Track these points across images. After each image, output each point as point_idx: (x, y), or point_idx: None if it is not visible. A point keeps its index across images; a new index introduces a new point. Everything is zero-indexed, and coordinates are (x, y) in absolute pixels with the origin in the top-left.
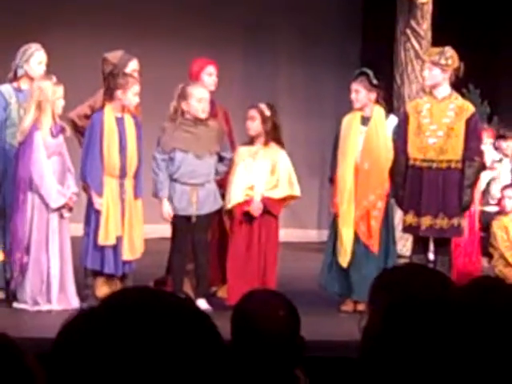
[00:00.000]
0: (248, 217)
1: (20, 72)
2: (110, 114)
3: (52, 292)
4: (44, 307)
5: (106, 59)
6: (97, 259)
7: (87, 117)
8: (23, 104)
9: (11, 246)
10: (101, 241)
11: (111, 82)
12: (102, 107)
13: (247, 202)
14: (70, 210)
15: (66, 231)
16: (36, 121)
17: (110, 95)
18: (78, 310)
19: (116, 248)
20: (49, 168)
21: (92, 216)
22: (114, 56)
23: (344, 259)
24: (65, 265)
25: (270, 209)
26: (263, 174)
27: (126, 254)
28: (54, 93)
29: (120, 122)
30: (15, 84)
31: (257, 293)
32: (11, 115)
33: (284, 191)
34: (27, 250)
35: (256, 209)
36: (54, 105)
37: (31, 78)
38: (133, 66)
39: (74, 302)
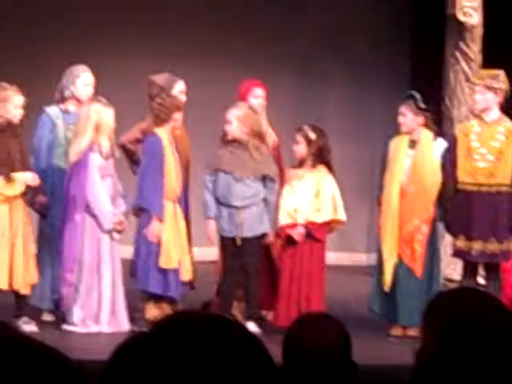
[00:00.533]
0: (293, 240)
1: (66, 93)
2: (165, 137)
3: (102, 314)
4: (93, 329)
5: (153, 82)
6: (160, 283)
7: (138, 141)
8: (70, 126)
9: (62, 267)
10: (163, 264)
11: (165, 104)
12: (147, 130)
13: (291, 226)
14: (119, 232)
15: (117, 253)
16: (92, 143)
17: (163, 118)
18: (130, 333)
19: (176, 271)
20: (103, 189)
21: (147, 241)
22: (160, 78)
23: (385, 282)
24: (116, 287)
25: (313, 233)
26: (308, 197)
27: (183, 276)
28: (109, 115)
29: (172, 145)
30: (62, 106)
31: (309, 316)
32: (58, 137)
33: (327, 215)
34: (79, 272)
35: (297, 233)
36: (111, 126)
37: (78, 100)
38: (179, 87)
39: (124, 325)
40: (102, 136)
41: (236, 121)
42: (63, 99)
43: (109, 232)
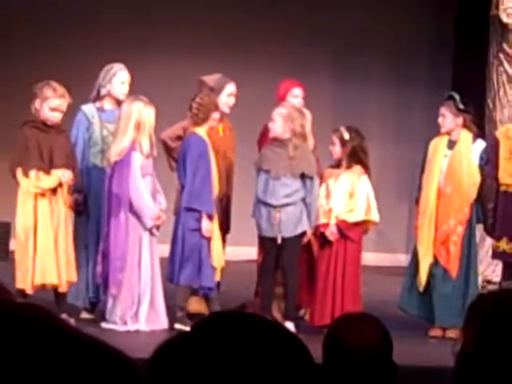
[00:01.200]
0: (327, 239)
1: (103, 92)
2: (205, 136)
3: (141, 312)
4: (132, 327)
5: (204, 82)
6: (202, 281)
7: (179, 138)
8: (105, 124)
9: (111, 267)
10: (215, 262)
11: (204, 104)
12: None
13: (326, 225)
14: (158, 228)
15: (156, 250)
16: (134, 141)
17: (202, 117)
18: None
19: (215, 270)
20: (145, 188)
21: (199, 239)
22: (212, 79)
23: (420, 283)
24: (155, 285)
25: (346, 232)
26: (342, 196)
27: (219, 275)
28: (150, 113)
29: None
30: (98, 104)
31: (350, 316)
32: (94, 135)
33: (359, 216)
34: (122, 269)
35: (330, 232)
36: (151, 125)
37: (114, 98)
38: (230, 89)
39: (163, 322)
40: (143, 135)
41: (280, 119)
42: (99, 97)
43: (150, 229)
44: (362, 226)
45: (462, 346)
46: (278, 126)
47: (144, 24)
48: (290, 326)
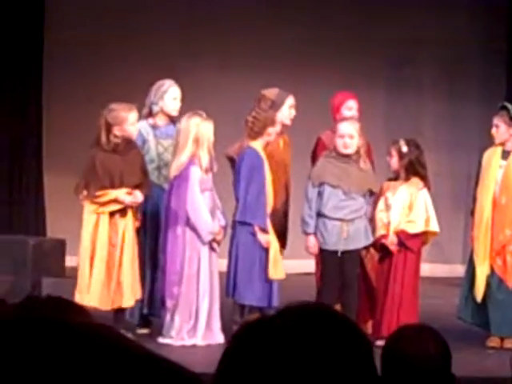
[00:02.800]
0: (387, 251)
1: (155, 109)
2: (261, 150)
3: (199, 327)
4: (189, 342)
5: (264, 96)
6: (263, 296)
7: None
8: (160, 140)
9: (167, 281)
10: (272, 275)
11: (260, 118)
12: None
13: (385, 236)
14: (218, 243)
15: (215, 266)
16: (193, 156)
17: (257, 132)
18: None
19: (277, 282)
20: (203, 203)
21: (255, 253)
22: (272, 93)
23: (478, 293)
24: (213, 300)
25: (406, 242)
26: (401, 208)
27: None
28: (209, 128)
29: (266, 158)
30: (151, 121)
31: (409, 327)
32: (149, 152)
33: (419, 227)
34: (179, 284)
35: (390, 242)
36: (210, 140)
37: (167, 115)
38: (290, 101)
39: (219, 338)
40: (202, 150)
41: (356, 134)
42: (152, 114)
43: (208, 244)
44: (422, 237)
45: None
46: (355, 142)
47: (194, 39)
48: None
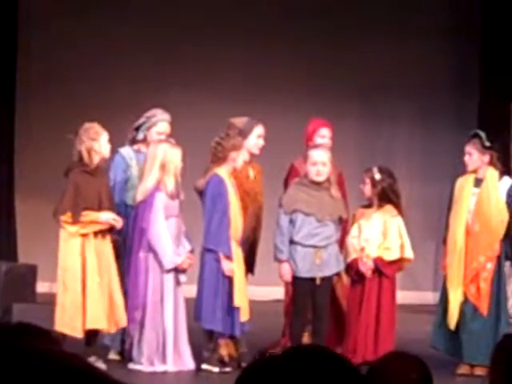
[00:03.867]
0: (361, 277)
1: (140, 136)
2: (226, 177)
3: (167, 353)
4: (159, 368)
5: (232, 124)
6: (227, 323)
7: None
8: (143, 164)
9: (129, 304)
10: (237, 302)
11: (222, 144)
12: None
13: (357, 260)
14: (184, 271)
15: (180, 292)
16: (158, 182)
17: (220, 157)
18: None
19: (239, 310)
20: (166, 229)
21: (219, 280)
22: (240, 121)
23: (451, 321)
24: (179, 326)
25: (383, 269)
26: (375, 236)
27: (244, 316)
28: (176, 155)
29: (233, 185)
30: (135, 146)
31: (391, 354)
32: (131, 177)
33: (395, 254)
34: (144, 309)
35: (366, 267)
36: (177, 166)
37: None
38: (258, 131)
39: (189, 364)
40: (168, 176)
41: (329, 163)
42: (136, 141)
43: (173, 271)
44: (398, 264)
45: None
46: (327, 170)
47: (169, 62)
48: None
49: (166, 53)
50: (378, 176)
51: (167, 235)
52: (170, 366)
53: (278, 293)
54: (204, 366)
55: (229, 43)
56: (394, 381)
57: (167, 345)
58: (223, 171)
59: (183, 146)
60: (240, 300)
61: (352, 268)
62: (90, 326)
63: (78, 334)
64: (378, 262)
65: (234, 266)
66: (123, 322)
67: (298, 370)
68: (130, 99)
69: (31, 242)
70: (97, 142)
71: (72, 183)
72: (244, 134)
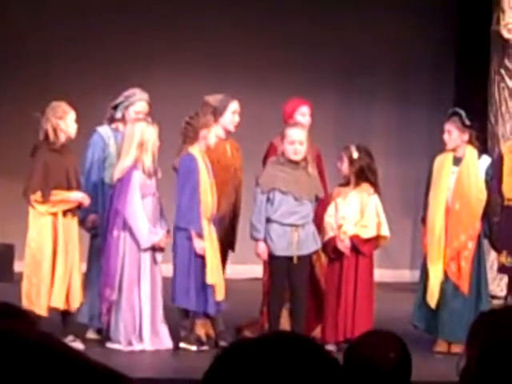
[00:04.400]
0: (339, 255)
1: (118, 114)
2: (198, 155)
3: (144, 332)
4: (137, 347)
5: (207, 102)
6: (200, 301)
7: None
8: (120, 143)
9: (102, 283)
10: (209, 280)
11: (192, 123)
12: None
13: (335, 238)
14: (161, 250)
15: (158, 271)
16: (136, 161)
17: (191, 136)
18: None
19: (213, 288)
20: (142, 208)
21: (191, 258)
22: (214, 99)
23: (432, 299)
24: (156, 305)
25: (359, 247)
26: (352, 214)
27: (219, 295)
28: (153, 133)
29: (207, 163)
30: (114, 125)
31: (369, 333)
32: (109, 156)
33: (372, 232)
34: (118, 288)
35: (344, 245)
36: (154, 144)
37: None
38: (233, 107)
39: (167, 343)
40: (146, 154)
41: (305, 141)
42: (114, 119)
43: (150, 250)
44: (374, 241)
45: (466, 363)
46: (304, 149)
47: (147, 42)
48: None
49: (144, 31)
50: (355, 154)
51: (142, 214)
52: (148, 345)
53: (256, 271)
54: (182, 345)
55: (206, 22)
56: (372, 360)
57: (143, 324)
58: (195, 150)
59: (164, 125)
60: (213, 278)
61: (329, 246)
62: (54, 304)
63: (43, 313)
64: (355, 239)
65: (206, 243)
66: (76, 303)
67: (273, 358)
68: (108, 80)
69: (8, 221)
70: (63, 120)
71: (40, 162)
72: (219, 111)
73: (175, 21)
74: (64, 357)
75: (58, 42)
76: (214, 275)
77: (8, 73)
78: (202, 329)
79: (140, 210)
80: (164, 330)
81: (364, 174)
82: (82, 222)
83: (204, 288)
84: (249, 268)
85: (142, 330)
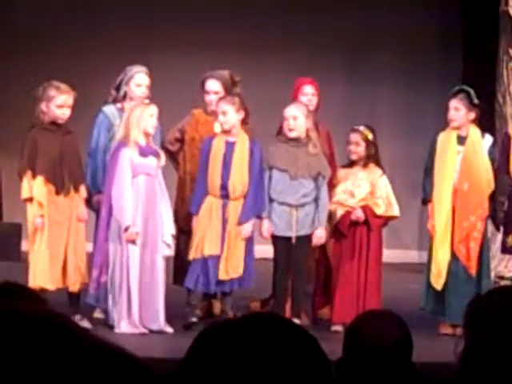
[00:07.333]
0: (354, 232)
1: (121, 93)
2: (221, 138)
3: (133, 314)
4: (136, 330)
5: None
6: (191, 277)
7: (178, 140)
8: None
9: (93, 263)
10: (191, 255)
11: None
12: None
13: (348, 213)
14: (133, 242)
15: (154, 250)
16: (125, 138)
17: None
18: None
19: (208, 266)
20: (130, 186)
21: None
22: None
23: (438, 281)
24: (146, 289)
25: (370, 218)
26: (363, 195)
27: (222, 274)
28: (142, 111)
29: (230, 145)
30: (119, 105)
31: (372, 313)
32: (115, 136)
33: (382, 211)
34: (106, 269)
35: (356, 216)
36: (141, 123)
37: (133, 100)
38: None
39: (165, 327)
40: (136, 132)
41: (303, 118)
42: (119, 99)
43: (125, 229)
44: (383, 218)
45: (467, 347)
46: (302, 125)
47: (147, 24)
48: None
49: (143, 12)
50: (371, 136)
51: (130, 192)
52: (137, 328)
53: (267, 251)
54: (185, 322)
55: (210, 4)
56: (372, 340)
57: (132, 307)
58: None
59: (164, 108)
60: (197, 253)
61: (344, 224)
62: (38, 283)
63: (52, 287)
64: (367, 210)
65: (206, 220)
66: (76, 283)
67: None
68: (110, 60)
69: (15, 200)
70: (51, 102)
71: (29, 141)
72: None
73: (176, 3)
74: (75, 336)
75: (58, 21)
76: (202, 251)
77: (8, 47)
78: (204, 307)
79: (126, 188)
80: (158, 312)
81: (375, 156)
82: (88, 202)
83: (204, 266)
84: (261, 248)
85: (132, 312)
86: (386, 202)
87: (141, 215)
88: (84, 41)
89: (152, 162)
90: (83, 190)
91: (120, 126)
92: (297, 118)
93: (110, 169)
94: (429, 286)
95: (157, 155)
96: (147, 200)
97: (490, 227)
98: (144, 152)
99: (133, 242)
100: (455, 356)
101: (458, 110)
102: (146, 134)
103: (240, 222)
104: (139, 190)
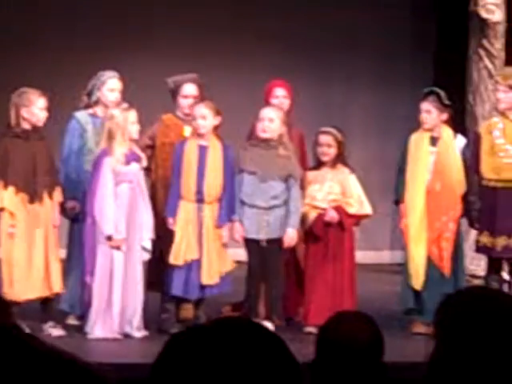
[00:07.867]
0: (322, 236)
1: (93, 99)
2: (193, 142)
3: (115, 319)
4: (114, 335)
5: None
6: (178, 284)
7: (150, 147)
8: (99, 131)
9: (82, 271)
10: (171, 260)
11: None
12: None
13: (322, 215)
14: (118, 248)
15: (135, 256)
16: (108, 147)
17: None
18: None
19: (190, 271)
20: (113, 195)
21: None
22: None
23: (417, 282)
24: (129, 296)
25: (343, 219)
26: (333, 196)
27: (206, 279)
28: (124, 119)
29: (203, 149)
30: (91, 110)
31: (344, 314)
32: (88, 142)
33: (355, 210)
34: (92, 275)
35: (330, 217)
36: (125, 131)
37: (106, 105)
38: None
39: (142, 332)
40: (118, 140)
41: (278, 120)
42: (91, 104)
43: (109, 238)
44: (355, 217)
45: (436, 346)
46: (277, 129)
47: (126, 25)
48: (269, 325)
49: (122, 15)
50: (340, 136)
51: (111, 202)
52: (115, 333)
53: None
54: (162, 326)
55: (181, 5)
56: (345, 341)
57: (113, 312)
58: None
59: (143, 110)
60: (178, 259)
61: (317, 225)
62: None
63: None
64: (340, 210)
65: (183, 224)
66: (56, 288)
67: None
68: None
69: None
70: (28, 108)
71: (0, 151)
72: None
73: (149, 5)
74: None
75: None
76: (181, 256)
77: None
78: (183, 313)
79: (108, 198)
80: (138, 319)
81: (343, 156)
82: (61, 209)
83: (182, 271)
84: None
85: (112, 316)
86: (357, 200)
87: (124, 222)
88: (55, 46)
89: (134, 168)
90: (58, 194)
91: (102, 134)
92: (273, 121)
93: (93, 177)
94: (407, 286)
95: (138, 160)
96: (129, 207)
97: (464, 227)
98: (127, 159)
99: (118, 248)
100: (425, 355)
101: (430, 113)
102: (131, 140)
103: (218, 226)
104: (122, 198)
